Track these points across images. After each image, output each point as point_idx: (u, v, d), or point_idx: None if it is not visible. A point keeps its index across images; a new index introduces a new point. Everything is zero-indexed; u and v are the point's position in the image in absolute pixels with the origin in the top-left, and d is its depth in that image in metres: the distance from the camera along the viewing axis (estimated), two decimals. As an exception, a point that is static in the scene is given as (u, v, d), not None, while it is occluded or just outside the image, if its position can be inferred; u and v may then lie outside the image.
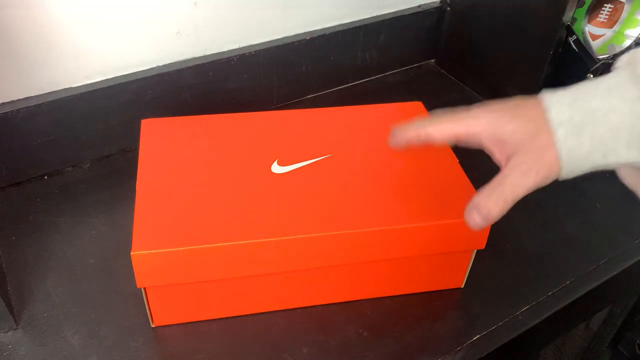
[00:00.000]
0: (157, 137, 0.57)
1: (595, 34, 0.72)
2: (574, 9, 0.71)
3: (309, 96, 0.85)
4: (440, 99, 0.87)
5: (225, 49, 0.75)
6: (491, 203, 0.39)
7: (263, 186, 0.52)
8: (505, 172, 0.39)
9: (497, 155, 0.41)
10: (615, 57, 0.67)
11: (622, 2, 0.71)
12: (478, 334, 0.53)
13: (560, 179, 0.39)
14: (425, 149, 0.58)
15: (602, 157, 0.36)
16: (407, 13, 0.87)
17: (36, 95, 0.64)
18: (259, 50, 0.75)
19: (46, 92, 0.65)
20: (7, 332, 0.51)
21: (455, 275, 0.56)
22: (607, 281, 0.60)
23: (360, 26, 0.83)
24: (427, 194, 0.53)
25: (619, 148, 0.36)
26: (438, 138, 0.44)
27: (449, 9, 0.88)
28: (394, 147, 0.48)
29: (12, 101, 0.63)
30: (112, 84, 0.67)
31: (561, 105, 0.37)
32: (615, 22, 0.70)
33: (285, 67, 0.79)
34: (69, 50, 0.64)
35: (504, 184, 0.39)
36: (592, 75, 0.69)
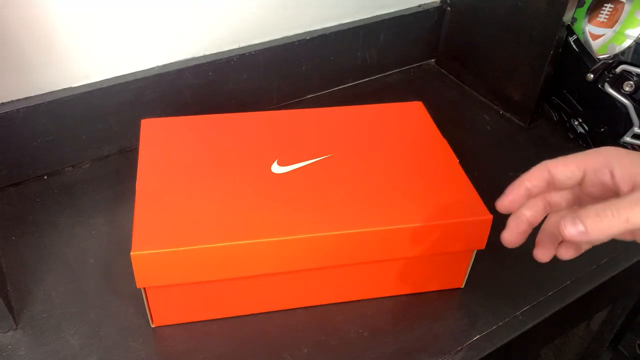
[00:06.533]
0: (157, 137, 0.57)
1: (595, 33, 0.72)
2: (574, 9, 0.71)
3: (309, 96, 0.85)
4: (440, 99, 0.87)
5: (225, 49, 0.75)
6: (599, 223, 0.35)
7: (263, 186, 0.52)
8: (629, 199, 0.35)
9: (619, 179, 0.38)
10: (615, 57, 0.67)
11: (622, 2, 0.71)
12: (478, 334, 0.53)
13: None
14: (425, 149, 0.58)
15: None
16: (407, 13, 0.87)
17: (36, 95, 0.64)
18: (259, 50, 0.75)
19: (46, 92, 0.65)
20: (7, 332, 0.51)
21: (455, 275, 0.56)
22: (607, 281, 0.59)
23: (360, 26, 0.83)
24: (427, 194, 0.53)
25: None
26: (560, 174, 0.41)
27: (449, 9, 0.88)
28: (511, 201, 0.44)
29: (12, 101, 0.63)
30: (112, 84, 0.67)
31: None
32: (616, 22, 0.70)
33: (285, 67, 0.79)
34: (69, 50, 0.64)
35: (620, 210, 0.35)
36: (592, 76, 0.69)
